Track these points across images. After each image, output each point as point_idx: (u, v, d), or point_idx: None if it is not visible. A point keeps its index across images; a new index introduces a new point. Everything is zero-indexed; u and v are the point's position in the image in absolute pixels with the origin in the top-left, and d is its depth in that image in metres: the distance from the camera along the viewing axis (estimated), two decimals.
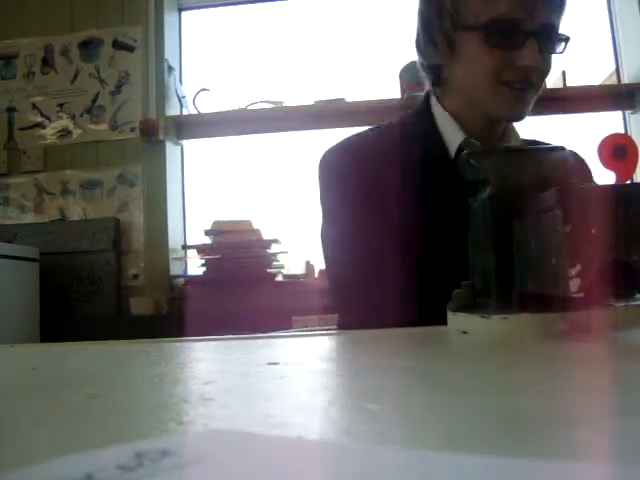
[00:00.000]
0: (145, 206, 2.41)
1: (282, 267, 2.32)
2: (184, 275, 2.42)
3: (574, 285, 0.39)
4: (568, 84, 2.24)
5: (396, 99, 2.26)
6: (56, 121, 2.50)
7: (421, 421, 0.22)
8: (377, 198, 0.86)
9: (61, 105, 2.49)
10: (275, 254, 2.27)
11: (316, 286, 2.11)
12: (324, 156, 0.94)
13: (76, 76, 2.49)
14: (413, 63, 2.34)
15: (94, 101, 2.47)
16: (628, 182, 0.61)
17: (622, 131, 2.31)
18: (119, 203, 2.43)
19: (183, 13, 2.66)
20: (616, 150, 0.59)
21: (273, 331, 0.94)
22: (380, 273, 0.84)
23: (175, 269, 2.41)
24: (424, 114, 0.94)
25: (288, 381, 0.33)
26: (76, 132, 2.48)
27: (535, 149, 0.58)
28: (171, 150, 2.47)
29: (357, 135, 0.96)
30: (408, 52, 2.35)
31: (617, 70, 2.36)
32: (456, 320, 0.52)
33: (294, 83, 2.49)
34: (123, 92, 2.46)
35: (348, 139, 0.95)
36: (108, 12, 2.48)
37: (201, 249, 2.30)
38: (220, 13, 2.66)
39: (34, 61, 2.53)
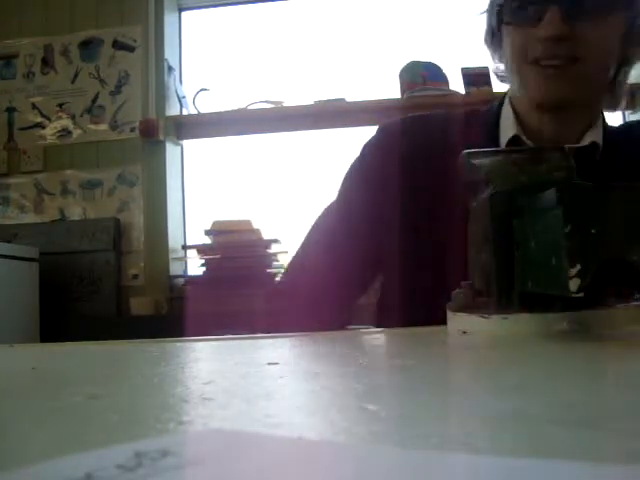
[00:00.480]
0: (145, 206, 2.41)
1: (282, 267, 2.32)
2: (184, 275, 2.42)
3: (574, 285, 0.39)
4: None
5: (396, 99, 2.26)
6: (56, 121, 2.50)
7: (421, 421, 0.22)
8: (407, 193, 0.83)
9: (61, 105, 2.49)
10: (275, 254, 2.27)
11: None
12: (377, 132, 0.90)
13: (76, 76, 2.49)
14: (413, 63, 2.36)
15: (94, 101, 2.47)
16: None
17: None
18: (119, 203, 2.43)
19: (183, 13, 2.66)
20: None
21: None
22: (347, 271, 0.83)
23: (175, 269, 2.42)
24: (494, 108, 0.88)
25: (288, 381, 0.33)
26: (76, 132, 2.48)
27: (535, 149, 0.58)
28: (171, 150, 2.47)
29: (420, 116, 0.92)
30: (408, 52, 2.37)
31: None
32: (456, 320, 0.52)
33: (294, 83, 2.49)
34: (123, 92, 2.46)
35: (411, 117, 0.91)
36: (108, 12, 2.48)
37: (201, 249, 2.30)
38: (220, 13, 2.66)
39: (34, 61, 2.53)
